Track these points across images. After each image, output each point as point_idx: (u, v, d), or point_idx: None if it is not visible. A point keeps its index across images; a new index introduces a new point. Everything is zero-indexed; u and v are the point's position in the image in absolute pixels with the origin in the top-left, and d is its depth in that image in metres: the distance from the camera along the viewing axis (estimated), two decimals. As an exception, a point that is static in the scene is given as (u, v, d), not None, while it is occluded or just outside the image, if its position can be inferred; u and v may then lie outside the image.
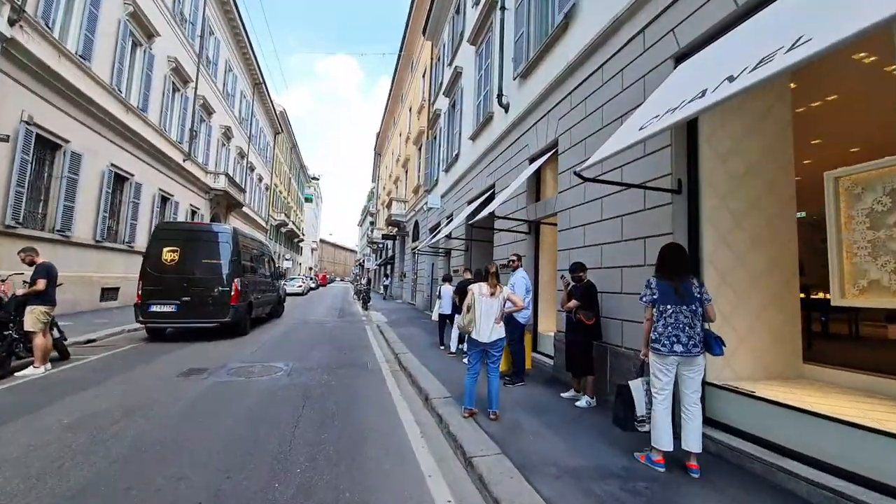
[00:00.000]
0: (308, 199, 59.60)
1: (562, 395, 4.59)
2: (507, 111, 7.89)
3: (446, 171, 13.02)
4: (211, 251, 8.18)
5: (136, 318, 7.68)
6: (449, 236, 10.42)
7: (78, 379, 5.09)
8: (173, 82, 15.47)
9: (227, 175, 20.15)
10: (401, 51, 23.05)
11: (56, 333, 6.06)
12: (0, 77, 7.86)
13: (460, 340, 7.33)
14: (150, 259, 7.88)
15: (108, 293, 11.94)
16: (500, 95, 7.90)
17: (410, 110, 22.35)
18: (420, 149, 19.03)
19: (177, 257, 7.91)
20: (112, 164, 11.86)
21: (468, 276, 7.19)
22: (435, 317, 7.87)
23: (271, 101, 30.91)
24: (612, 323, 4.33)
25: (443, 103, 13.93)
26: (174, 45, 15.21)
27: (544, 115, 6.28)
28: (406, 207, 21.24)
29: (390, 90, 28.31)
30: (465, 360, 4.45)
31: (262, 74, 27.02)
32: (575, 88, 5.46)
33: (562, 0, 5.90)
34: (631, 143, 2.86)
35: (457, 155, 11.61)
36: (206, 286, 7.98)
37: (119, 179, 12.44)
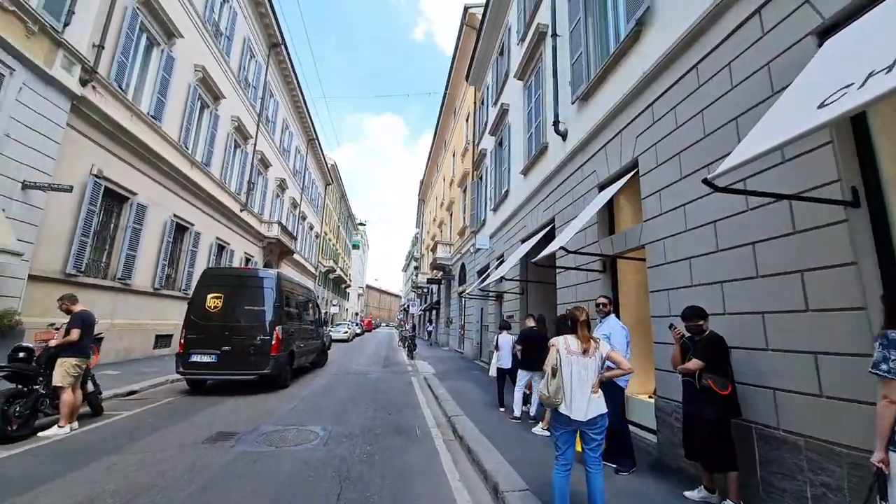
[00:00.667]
0: (356, 247, 61.41)
1: (686, 494, 3.27)
2: (564, 139, 7.13)
3: (494, 210, 12.32)
4: (254, 297, 7.77)
5: (176, 368, 7.26)
6: (502, 279, 9.46)
7: (98, 443, 4.50)
8: (235, 139, 16.48)
9: (279, 224, 20.81)
10: (444, 97, 23.65)
11: (90, 387, 5.66)
12: (70, 132, 8.32)
13: (524, 401, 6.14)
14: (195, 306, 7.58)
15: (162, 340, 11.96)
16: (556, 123, 7.19)
17: (454, 155, 22.43)
18: (465, 191, 18.68)
19: (220, 304, 7.56)
20: (175, 215, 12.34)
21: (531, 323, 6.13)
22: (492, 371, 6.74)
23: (323, 155, 32.69)
24: (757, 392, 3.08)
25: (488, 143, 13.55)
26: (237, 106, 16.36)
27: (615, 136, 5.42)
28: (451, 250, 20.65)
29: (433, 138, 28.98)
30: (551, 440, 3.33)
31: (315, 131, 28.78)
32: (657, 99, 4.58)
33: (630, 8, 5.21)
34: (811, 127, 1.90)
35: (506, 192, 10.91)
36: (248, 334, 7.49)
37: (180, 229, 12.90)
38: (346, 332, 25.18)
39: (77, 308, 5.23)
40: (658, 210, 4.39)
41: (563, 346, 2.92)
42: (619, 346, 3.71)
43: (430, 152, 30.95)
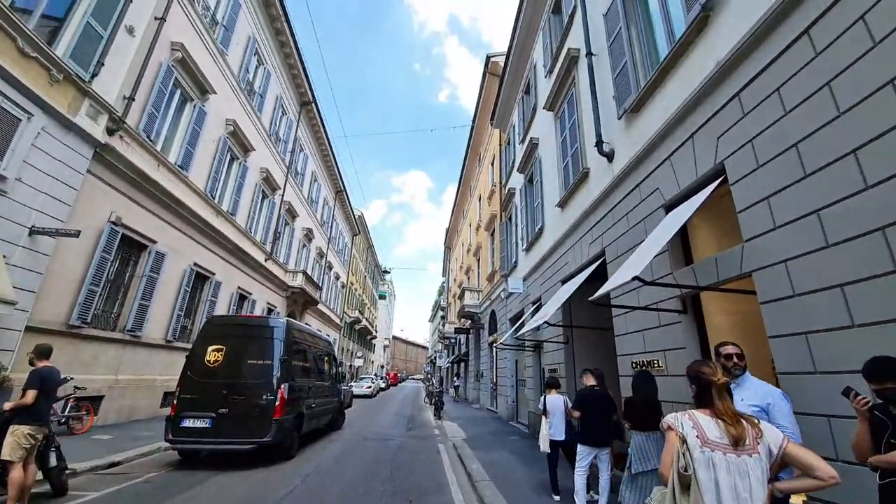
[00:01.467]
0: (382, 297, 60.85)
1: None
2: (611, 159, 6.15)
3: (527, 250, 11.22)
4: (261, 350, 6.79)
5: (165, 435, 6.20)
6: (539, 327, 8.13)
7: (26, 548, 3.39)
8: (263, 190, 16.57)
9: (304, 273, 20.39)
10: (468, 144, 23.67)
11: (53, 460, 4.66)
12: (91, 179, 8.11)
13: (588, 487, 4.62)
14: (193, 361, 6.66)
15: (170, 398, 11.03)
16: (599, 143, 6.26)
17: (480, 199, 21.89)
18: (492, 234, 17.79)
19: (221, 358, 6.60)
20: (195, 264, 11.95)
21: (590, 381, 4.78)
22: (544, 446, 5.25)
23: (350, 207, 33.16)
24: None
25: (517, 181, 12.79)
26: (267, 158, 16.63)
27: (684, 143, 4.38)
28: (480, 297, 19.38)
29: (458, 185, 28.88)
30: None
31: (343, 183, 29.38)
32: (746, 85, 3.57)
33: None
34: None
35: (540, 229, 9.86)
36: (251, 394, 6.42)
37: (200, 278, 12.46)
38: (369, 387, 23.60)
39: (42, 364, 4.39)
40: (769, 223, 3.20)
41: (692, 430, 1.69)
42: (788, 428, 2.32)
43: (456, 199, 30.76)
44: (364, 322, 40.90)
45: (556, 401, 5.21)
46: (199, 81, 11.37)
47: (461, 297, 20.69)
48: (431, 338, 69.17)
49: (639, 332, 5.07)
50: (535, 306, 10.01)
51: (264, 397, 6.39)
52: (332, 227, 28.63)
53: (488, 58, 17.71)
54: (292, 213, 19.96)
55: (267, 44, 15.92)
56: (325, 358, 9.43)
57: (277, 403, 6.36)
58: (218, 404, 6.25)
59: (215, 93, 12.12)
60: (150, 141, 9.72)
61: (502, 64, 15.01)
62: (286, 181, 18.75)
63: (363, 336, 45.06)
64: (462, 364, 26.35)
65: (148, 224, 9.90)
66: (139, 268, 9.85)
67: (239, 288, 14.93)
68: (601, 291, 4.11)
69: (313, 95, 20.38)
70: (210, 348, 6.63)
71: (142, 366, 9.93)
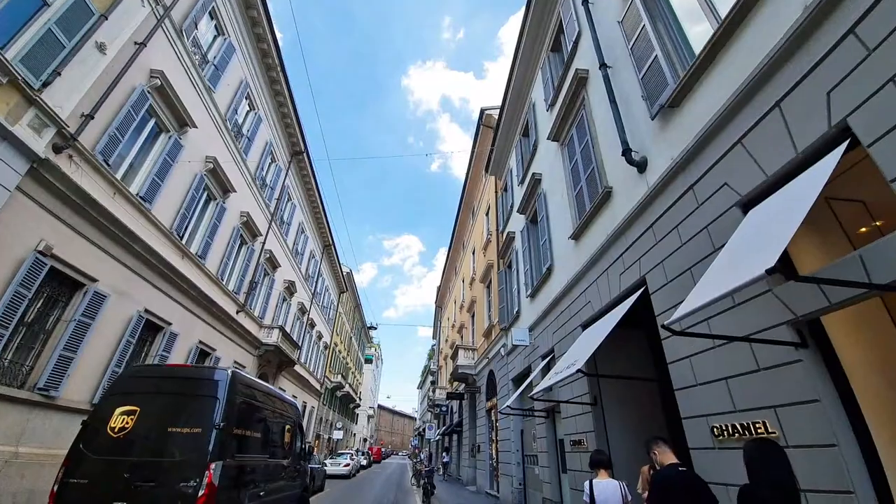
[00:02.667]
0: (368, 361, 57.21)
1: None
2: (642, 169, 5.09)
3: (532, 296, 9.82)
4: (191, 413, 4.99)
5: (25, 546, 4.16)
6: (563, 381, 6.48)
7: None
8: (242, 235, 15.26)
9: (281, 329, 18.37)
10: (461, 199, 23.19)
11: None
12: (20, 198, 6.75)
13: None
14: (91, 429, 4.81)
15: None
16: (626, 152, 5.24)
17: (474, 252, 20.85)
18: (488, 286, 16.42)
19: (131, 424, 4.77)
20: (146, 310, 10.16)
21: (669, 456, 3.15)
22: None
23: (339, 262, 31.83)
24: None
25: (517, 224, 11.77)
26: (249, 202, 15.57)
27: (768, 112, 3.31)
28: (475, 357, 17.40)
29: (450, 241, 28.05)
30: None
31: (332, 237, 28.33)
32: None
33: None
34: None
35: (548, 269, 8.57)
36: (167, 479, 4.51)
37: (151, 328, 10.58)
38: (346, 466, 20.31)
39: None
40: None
41: None
42: None
43: (448, 256, 29.77)
44: (347, 388, 37.43)
45: (608, 489, 3.49)
46: (177, 113, 10.58)
47: (454, 356, 18.66)
48: (420, 407, 64.07)
49: (720, 382, 3.56)
50: (545, 360, 8.37)
51: (187, 484, 4.47)
52: (317, 282, 26.98)
53: (482, 111, 17.77)
54: (273, 263, 18.49)
55: (260, 90, 15.69)
56: (288, 427, 7.42)
57: (203, 493, 4.43)
58: (115, 495, 4.31)
59: (196, 127, 11.32)
60: (108, 165, 8.56)
61: (496, 115, 14.88)
62: (269, 228, 17.55)
63: (345, 404, 41.09)
64: (454, 436, 23.30)
65: (89, 259, 8.35)
66: (69, 310, 8.10)
67: (200, 342, 12.92)
68: (679, 316, 2.71)
69: (305, 146, 20.05)
70: (118, 411, 4.82)
71: (51, 436, 7.72)
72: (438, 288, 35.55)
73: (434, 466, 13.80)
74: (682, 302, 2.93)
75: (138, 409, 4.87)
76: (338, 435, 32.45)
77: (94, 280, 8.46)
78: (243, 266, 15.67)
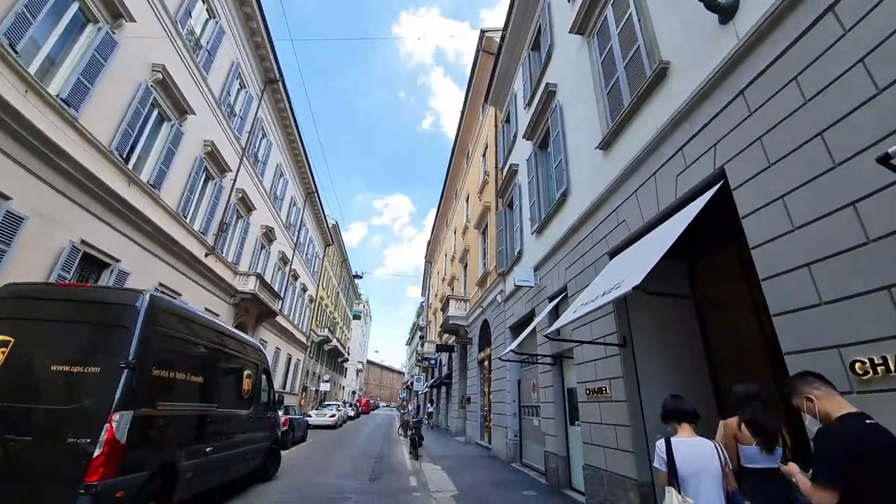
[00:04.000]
0: (356, 317, 56.79)
1: None
2: (728, 16, 3.54)
3: (538, 231, 8.47)
4: (87, 347, 3.60)
5: None
6: (557, 332, 5.25)
7: None
8: (206, 168, 13.35)
9: (258, 277, 16.91)
10: (455, 142, 21.29)
11: None
12: None
13: None
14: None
15: None
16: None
17: (468, 199, 19.30)
18: (484, 231, 15.05)
19: (1, 359, 3.37)
20: (84, 242, 8.54)
21: (825, 398, 1.82)
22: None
23: (324, 213, 29.94)
24: None
25: (522, 153, 10.20)
26: (213, 129, 13.52)
27: None
28: (467, 308, 16.36)
29: (442, 191, 26.34)
30: None
31: (315, 185, 26.30)
32: None
33: None
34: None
35: (563, 194, 7.15)
36: (52, 430, 3.20)
37: (92, 263, 9.01)
38: (332, 416, 19.74)
39: None
40: None
41: None
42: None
43: (439, 207, 28.15)
44: (334, 342, 36.85)
45: (699, 451, 2.23)
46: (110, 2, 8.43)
47: (444, 308, 17.62)
48: (408, 362, 64.85)
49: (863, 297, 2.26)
50: (555, 301, 7.15)
51: (77, 440, 3.17)
52: (300, 232, 25.28)
53: (482, 34, 15.53)
54: (247, 205, 16.69)
55: (221, -6, 13.18)
56: (248, 373, 6.14)
57: (100, 454, 3.13)
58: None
59: (135, 21, 9.17)
60: (15, 53, 6.62)
61: (498, 39, 12.83)
62: (240, 164, 15.60)
63: (333, 358, 40.79)
64: (443, 388, 22.90)
65: (-5, 170, 6.61)
66: (-32, 232, 6.47)
67: (161, 285, 11.41)
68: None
69: (280, 73, 17.63)
70: (-20, 340, 3.40)
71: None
72: (428, 242, 34.22)
73: (422, 417, 13.04)
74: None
75: (12, 340, 3.45)
76: (325, 387, 32.13)
77: (6, 198, 6.77)
78: (210, 204, 13.90)
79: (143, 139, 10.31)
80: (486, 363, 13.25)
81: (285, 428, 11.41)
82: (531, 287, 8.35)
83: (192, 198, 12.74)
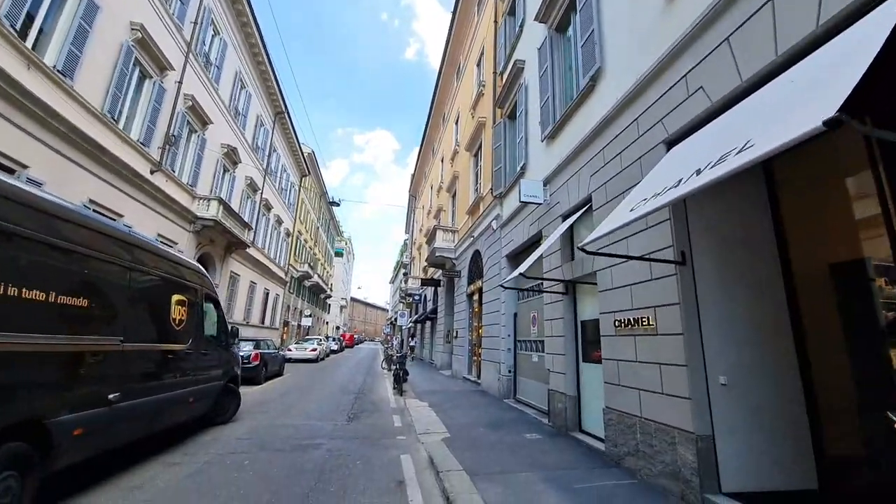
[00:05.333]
0: (339, 254, 55.43)
1: None
2: None
3: (552, 136, 6.85)
4: None
5: None
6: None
7: None
8: (137, 60, 10.73)
9: (221, 201, 14.91)
10: (444, 56, 18.52)
11: None
12: None
13: None
14: None
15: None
16: None
17: (458, 121, 17.12)
18: (477, 153, 13.25)
19: None
20: (-38, 136, 6.49)
21: None
22: None
23: (297, 140, 27.00)
24: None
25: (531, 43, 8.20)
26: (144, 9, 10.72)
27: None
28: (455, 239, 15.02)
29: (428, 117, 23.73)
30: None
31: (285, 104, 23.20)
32: None
33: None
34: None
35: (593, 78, 5.44)
36: None
37: (-19, 166, 7.02)
38: (314, 350, 19.04)
39: None
40: None
41: None
42: None
43: (424, 135, 25.65)
44: (316, 278, 35.70)
45: None
46: None
47: (430, 240, 16.24)
48: (392, 300, 65.17)
49: None
50: (570, 219, 5.77)
51: None
52: (270, 157, 22.70)
53: None
54: (201, 117, 14.15)
55: None
56: (179, 299, 4.66)
57: None
58: None
59: None
60: None
61: None
62: (186, 63, 12.87)
63: (315, 294, 39.96)
64: (427, 323, 22.37)
65: None
66: None
67: (92, 202, 9.47)
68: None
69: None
70: None
71: None
72: (412, 175, 32.00)
73: (405, 352, 12.21)
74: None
75: None
76: (307, 322, 31.52)
77: None
78: (150, 109, 11.47)
79: (42, 8, 7.79)
80: (475, 296, 12.23)
81: (256, 363, 10.38)
82: (539, 205, 6.91)
83: (123, 97, 10.35)
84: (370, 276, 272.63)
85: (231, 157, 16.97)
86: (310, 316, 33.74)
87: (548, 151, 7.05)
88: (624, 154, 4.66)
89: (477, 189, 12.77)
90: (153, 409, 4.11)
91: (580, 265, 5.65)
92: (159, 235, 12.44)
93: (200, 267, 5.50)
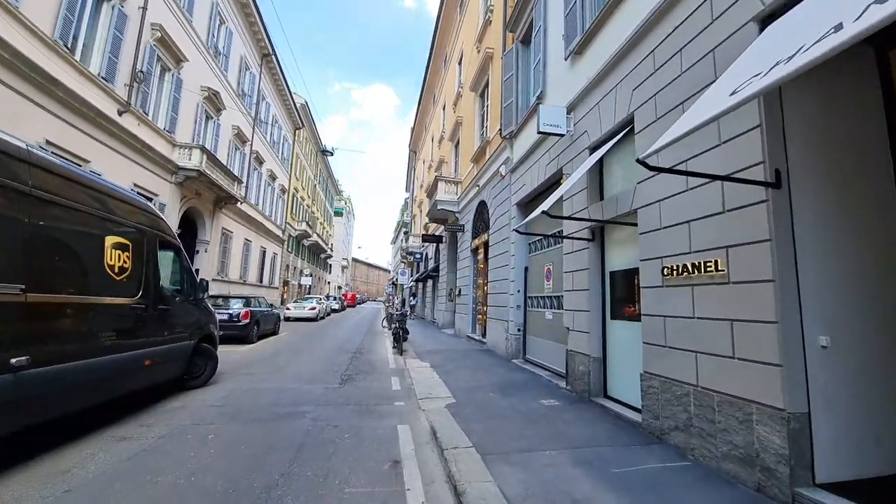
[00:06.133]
0: (338, 213, 54.29)
1: None
2: None
3: (578, 50, 5.59)
4: None
5: None
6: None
7: None
8: (90, -23, 9.15)
9: (203, 150, 13.66)
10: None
11: None
12: None
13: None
14: None
15: None
16: None
17: (461, 61, 15.38)
18: (483, 92, 11.82)
19: None
20: None
21: None
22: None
23: (288, 88, 25.02)
24: None
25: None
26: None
27: None
28: (458, 191, 13.89)
29: (428, 61, 21.65)
30: None
31: (272, 46, 21.15)
32: None
33: None
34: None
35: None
36: None
37: None
38: (312, 309, 18.50)
39: None
40: None
41: None
42: None
43: (424, 84, 23.61)
44: (315, 238, 34.85)
45: None
46: None
47: (431, 193, 15.11)
48: (393, 261, 64.76)
49: None
50: (601, 149, 4.68)
51: None
52: (259, 107, 21.02)
53: None
54: (173, 52, 12.56)
55: None
56: (115, 243, 3.71)
57: None
58: None
59: None
60: None
61: None
62: (150, -15, 11.15)
63: (315, 254, 39.31)
64: (430, 282, 21.71)
65: None
66: None
67: (50, 143, 8.33)
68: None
69: None
70: None
71: None
72: (412, 129, 30.11)
73: (406, 311, 11.53)
74: None
75: None
76: (306, 281, 31.05)
77: None
78: (111, 38, 9.99)
79: None
80: (480, 251, 11.33)
81: (246, 321, 9.69)
82: (560, 136, 5.77)
83: (77, 22, 8.92)
84: (372, 237, 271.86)
85: (213, 101, 15.46)
86: (309, 275, 33.25)
87: (573, 71, 5.81)
88: (687, 50, 3.50)
89: (482, 134, 11.48)
90: (90, 375, 3.30)
91: (613, 205, 4.64)
92: (136, 185, 11.37)
93: (150, 205, 4.52)
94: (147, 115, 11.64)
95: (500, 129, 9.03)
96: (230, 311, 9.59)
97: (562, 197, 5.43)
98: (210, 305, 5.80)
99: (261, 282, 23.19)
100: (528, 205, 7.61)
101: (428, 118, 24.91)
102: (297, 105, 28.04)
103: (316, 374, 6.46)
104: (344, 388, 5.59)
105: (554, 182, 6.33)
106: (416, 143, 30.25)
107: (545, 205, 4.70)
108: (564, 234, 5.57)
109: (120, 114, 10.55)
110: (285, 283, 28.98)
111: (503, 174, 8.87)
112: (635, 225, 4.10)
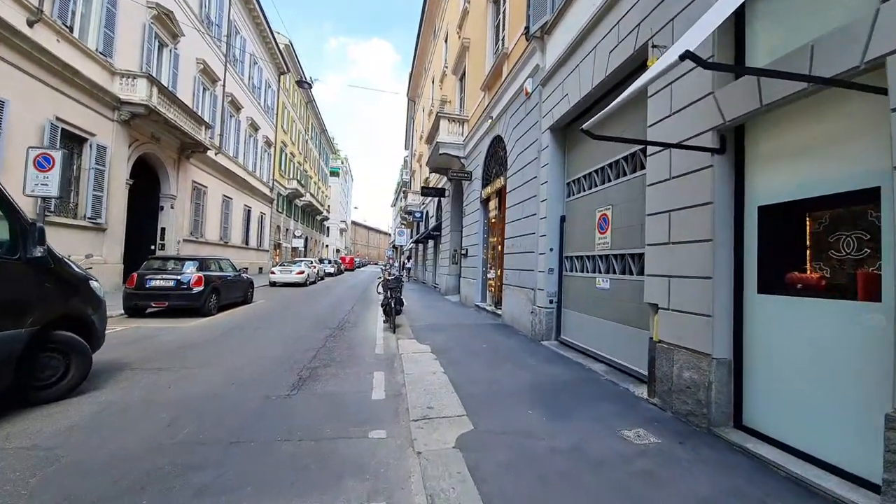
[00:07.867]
0: (334, 173, 51.33)
1: None
2: None
3: None
4: None
5: None
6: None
7: None
8: None
9: (152, 80, 11.03)
10: None
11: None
12: None
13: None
14: None
15: None
16: None
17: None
18: (498, -5, 9.03)
19: None
20: None
21: None
22: None
23: (267, 22, 21.58)
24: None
25: None
26: None
27: None
28: (465, 130, 11.38)
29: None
30: None
31: (243, -36, 17.69)
32: None
33: None
34: None
35: None
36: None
37: None
38: (300, 274, 16.49)
39: None
40: None
41: None
42: None
43: (422, 16, 20.17)
44: (308, 198, 32.40)
45: None
46: None
47: (432, 136, 12.58)
48: (393, 223, 62.40)
49: None
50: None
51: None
52: (233, 40, 17.91)
53: None
54: (101, -52, 9.64)
55: None
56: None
57: None
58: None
59: None
60: None
61: None
62: None
63: (310, 216, 36.97)
64: (430, 242, 19.58)
65: None
66: None
67: None
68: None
69: None
70: None
71: None
72: (410, 75, 26.72)
73: (400, 275, 9.47)
74: None
75: None
76: (297, 243, 28.92)
77: None
78: None
79: None
80: (493, 201, 9.08)
81: (199, 289, 7.63)
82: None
83: None
84: (372, 200, 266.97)
85: (165, 22, 12.56)
86: (301, 237, 31.09)
87: None
88: None
89: (497, 50, 8.85)
90: None
91: (770, 85, 2.34)
92: (60, 119, 8.94)
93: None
94: (70, 29, 9.00)
95: (526, 29, 6.47)
96: (178, 277, 7.52)
97: (652, 77, 3.11)
98: (78, 268, 3.65)
99: (246, 244, 21.12)
100: (570, 125, 5.26)
101: (427, 59, 21.71)
102: (280, 45, 24.61)
103: (265, 368, 4.44)
104: (294, 399, 3.56)
105: (626, 76, 3.96)
106: (414, 91, 27.01)
107: (644, 79, 2.40)
108: (650, 151, 3.29)
109: (30, 24, 7.95)
110: (277, 245, 26.94)
111: (529, 91, 6.43)
112: (877, 91, 1.83)
